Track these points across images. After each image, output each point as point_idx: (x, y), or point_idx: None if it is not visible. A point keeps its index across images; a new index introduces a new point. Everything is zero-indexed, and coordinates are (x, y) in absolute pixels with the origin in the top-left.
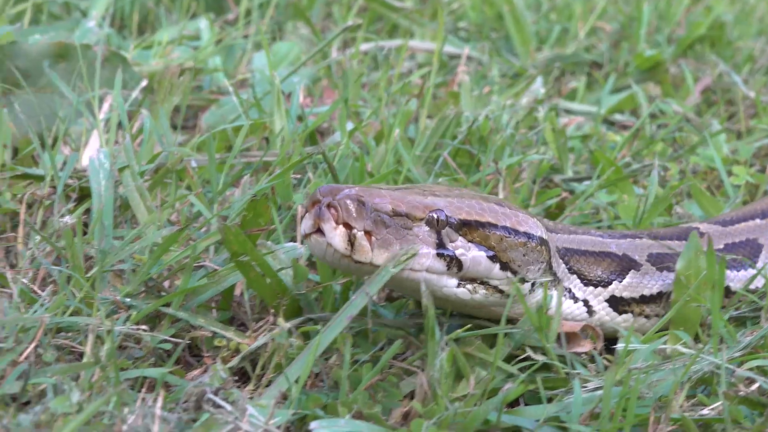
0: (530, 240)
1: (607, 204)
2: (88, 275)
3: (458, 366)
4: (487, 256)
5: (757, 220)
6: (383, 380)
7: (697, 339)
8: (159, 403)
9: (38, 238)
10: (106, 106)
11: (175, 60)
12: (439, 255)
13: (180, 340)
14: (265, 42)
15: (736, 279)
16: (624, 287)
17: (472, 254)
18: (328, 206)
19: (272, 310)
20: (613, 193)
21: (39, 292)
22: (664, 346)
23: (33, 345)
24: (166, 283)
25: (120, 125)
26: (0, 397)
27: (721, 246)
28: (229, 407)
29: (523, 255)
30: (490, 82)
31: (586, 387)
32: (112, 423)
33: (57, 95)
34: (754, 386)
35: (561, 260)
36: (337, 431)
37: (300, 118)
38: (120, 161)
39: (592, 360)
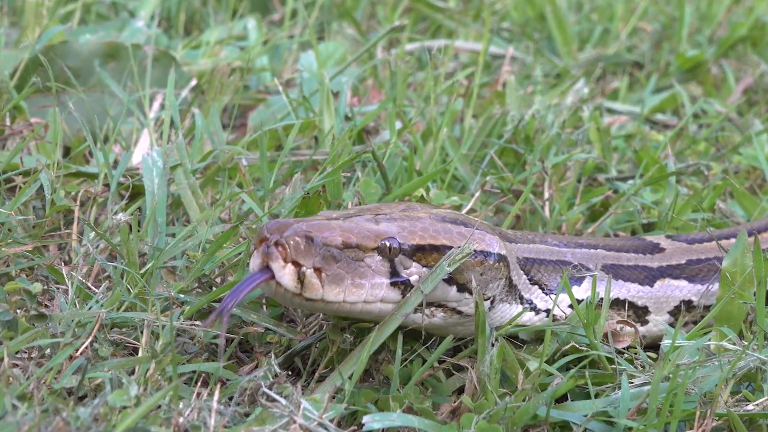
0: (487, 258)
1: (651, 203)
2: (142, 271)
3: (505, 364)
4: (443, 280)
5: (723, 242)
6: (432, 376)
7: (741, 336)
8: (215, 397)
9: (92, 235)
10: (156, 105)
11: (224, 60)
12: (393, 284)
13: (233, 336)
14: (314, 40)
15: None
16: (584, 290)
17: None
18: (276, 244)
19: None
20: (657, 192)
21: (94, 288)
22: (709, 342)
23: (89, 340)
24: (219, 280)
25: (171, 124)
26: (58, 391)
27: (683, 262)
28: (283, 401)
29: (481, 274)
30: (533, 82)
31: (632, 383)
32: (169, 416)
33: (107, 94)
34: None
35: (522, 271)
36: (389, 425)
37: (348, 118)
38: (172, 159)
39: (637, 357)
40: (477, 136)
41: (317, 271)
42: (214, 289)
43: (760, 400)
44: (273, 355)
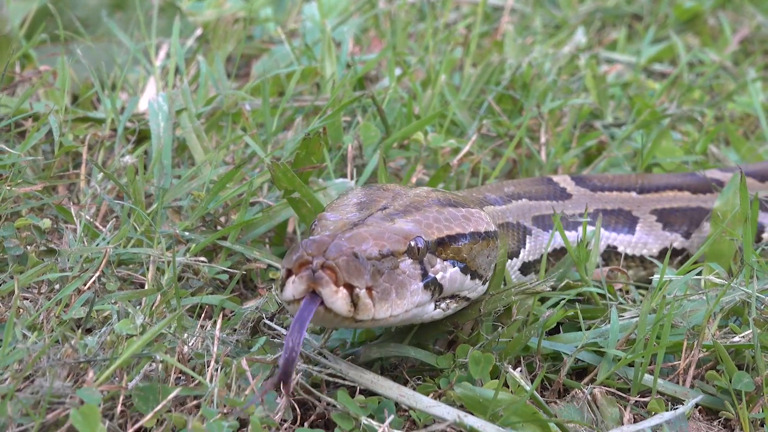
0: (490, 238)
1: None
2: (148, 211)
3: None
4: (460, 270)
5: (633, 194)
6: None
7: (730, 274)
8: (218, 326)
9: (100, 176)
10: (162, 53)
11: (228, 10)
12: (425, 286)
13: (236, 271)
14: None
15: None
16: (528, 252)
17: (449, 273)
18: (322, 267)
19: None
20: (649, 134)
21: (101, 228)
22: (698, 277)
23: (96, 274)
24: (223, 219)
25: (177, 72)
26: (66, 322)
27: (591, 211)
28: (284, 331)
29: (487, 257)
30: (532, 33)
31: (623, 316)
32: (174, 345)
33: (114, 44)
34: None
35: None
36: (386, 354)
37: (348, 66)
38: (177, 104)
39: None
40: (475, 84)
41: (368, 290)
42: (218, 228)
43: (746, 333)
44: (275, 289)
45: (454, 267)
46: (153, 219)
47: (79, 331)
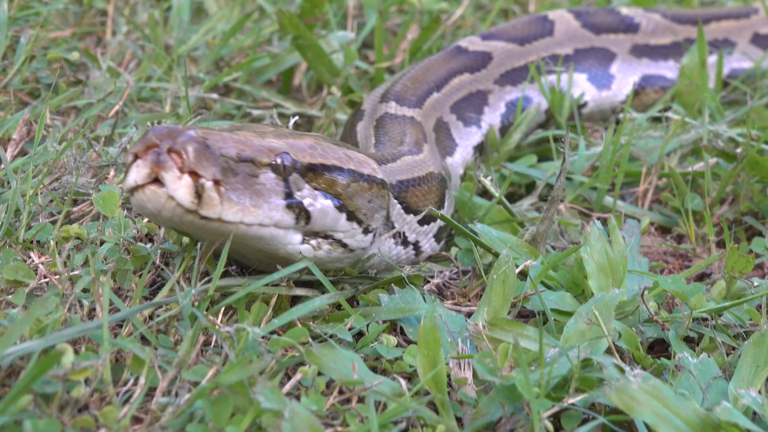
0: (374, 184)
1: None
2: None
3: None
4: (335, 206)
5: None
6: None
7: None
8: None
9: (125, 29)
10: None
11: None
12: (288, 206)
13: (243, 102)
14: None
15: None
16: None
17: (320, 204)
18: (169, 151)
19: (327, 87)
20: None
21: (124, 73)
22: (658, 114)
23: (120, 103)
24: (233, 62)
25: None
26: (94, 137)
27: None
28: None
29: (368, 201)
30: None
31: (589, 150)
32: None
33: None
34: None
35: (395, 200)
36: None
37: None
38: None
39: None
40: None
41: (216, 184)
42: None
43: (699, 164)
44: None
45: (326, 199)
46: (172, 63)
47: (102, 142)
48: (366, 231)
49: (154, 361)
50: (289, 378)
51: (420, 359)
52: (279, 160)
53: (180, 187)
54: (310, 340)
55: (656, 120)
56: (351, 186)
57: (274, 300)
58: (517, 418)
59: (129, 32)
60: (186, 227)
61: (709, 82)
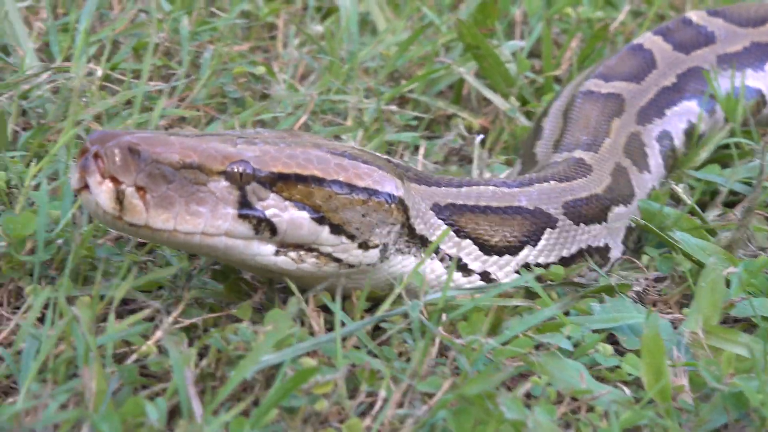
0: (373, 197)
1: None
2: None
3: None
4: (312, 218)
5: None
6: None
7: None
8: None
9: (296, 41)
10: None
11: None
12: (242, 216)
13: (425, 115)
14: None
15: None
16: (539, 252)
17: (289, 215)
18: (96, 156)
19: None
20: None
21: (299, 86)
22: None
23: (305, 117)
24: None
25: None
26: None
27: None
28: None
29: (363, 215)
30: None
31: None
32: None
33: None
34: None
35: (439, 218)
36: None
37: None
38: None
39: None
40: None
41: (140, 190)
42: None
43: None
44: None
45: (301, 211)
46: (348, 75)
47: None
48: (364, 246)
49: (385, 372)
50: (510, 389)
51: (644, 368)
52: (235, 168)
53: (101, 192)
54: (533, 350)
55: None
56: (335, 198)
57: (493, 311)
58: (742, 425)
59: (301, 44)
60: (123, 232)
61: None
